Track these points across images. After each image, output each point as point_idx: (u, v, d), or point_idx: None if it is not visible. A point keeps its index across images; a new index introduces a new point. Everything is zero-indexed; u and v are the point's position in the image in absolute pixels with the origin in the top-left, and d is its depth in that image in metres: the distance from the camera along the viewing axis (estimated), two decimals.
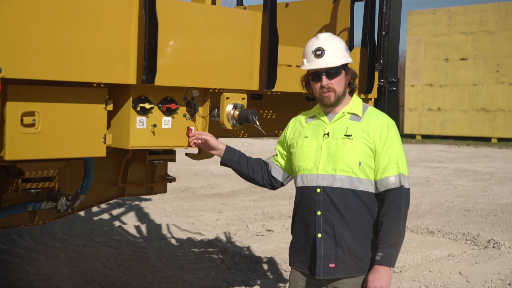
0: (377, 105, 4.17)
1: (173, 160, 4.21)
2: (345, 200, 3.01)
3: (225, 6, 4.19)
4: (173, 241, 7.68)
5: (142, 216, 9.09)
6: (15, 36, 2.49)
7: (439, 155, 20.11)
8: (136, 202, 9.92)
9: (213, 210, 9.94)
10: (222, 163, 3.33)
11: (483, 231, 8.44)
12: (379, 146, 3.01)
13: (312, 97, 3.21)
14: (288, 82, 3.53)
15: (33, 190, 3.43)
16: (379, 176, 3.01)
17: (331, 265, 3.03)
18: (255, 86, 3.39)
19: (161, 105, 3.07)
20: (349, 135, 3.02)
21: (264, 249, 7.24)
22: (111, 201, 5.61)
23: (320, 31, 4.29)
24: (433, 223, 8.99)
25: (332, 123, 3.09)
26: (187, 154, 4.31)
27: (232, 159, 3.29)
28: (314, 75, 3.06)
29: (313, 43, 3.07)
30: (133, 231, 8.05)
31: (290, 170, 3.28)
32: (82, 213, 8.40)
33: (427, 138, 27.69)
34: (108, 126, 2.99)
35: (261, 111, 4.01)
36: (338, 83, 3.04)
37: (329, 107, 3.10)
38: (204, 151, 3.62)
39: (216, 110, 3.31)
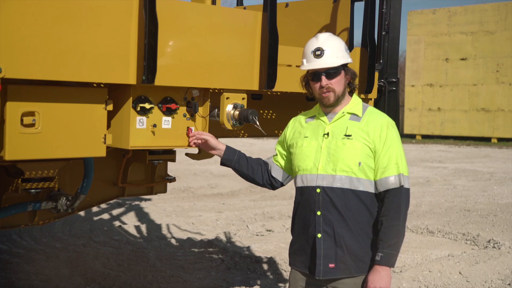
0: (377, 105, 4.17)
1: (173, 160, 4.21)
2: (345, 200, 3.01)
3: (225, 6, 4.19)
4: (173, 241, 7.68)
5: (142, 216, 9.09)
6: (15, 36, 2.49)
7: (439, 155, 20.11)
8: (136, 202, 9.92)
9: (213, 210, 9.94)
10: (222, 163, 3.33)
11: (483, 231, 8.44)
12: (378, 146, 3.01)
13: (312, 97, 3.21)
14: (288, 82, 3.53)
15: (33, 190, 3.43)
16: (379, 176, 3.01)
17: (331, 265, 3.03)
18: (255, 86, 3.39)
19: (161, 105, 3.07)
20: (349, 135, 3.02)
21: (264, 249, 7.24)
22: (111, 201, 5.61)
23: (320, 31, 4.29)
24: (433, 223, 8.99)
25: (332, 123, 3.09)
26: (187, 154, 4.31)
27: (232, 159, 3.29)
28: (313, 75, 3.06)
29: (313, 43, 3.07)
30: (133, 231, 8.05)
31: (290, 170, 3.28)
32: (82, 213, 8.40)
33: (427, 138, 27.69)
34: (108, 126, 2.99)
35: (261, 111, 4.01)
36: (337, 83, 3.04)
37: (328, 107, 3.10)
38: (204, 151, 3.62)
39: (216, 110, 3.31)
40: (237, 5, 5.10)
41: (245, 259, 6.70)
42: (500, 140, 25.85)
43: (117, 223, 8.51)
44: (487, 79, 26.14)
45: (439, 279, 6.17)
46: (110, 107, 2.92)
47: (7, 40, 2.46)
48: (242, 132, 4.02)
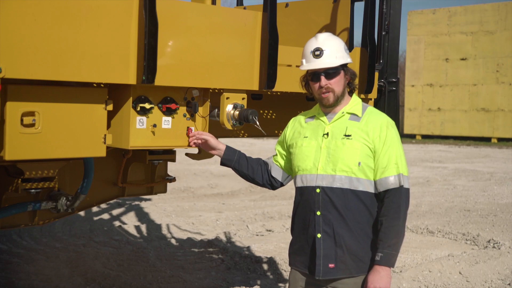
0: (377, 105, 4.17)
1: (173, 160, 4.21)
2: (345, 200, 3.01)
3: (225, 6, 4.19)
4: (173, 241, 7.68)
5: (142, 216, 9.09)
6: (15, 36, 2.49)
7: (439, 155, 20.11)
8: (136, 202, 9.92)
9: (213, 210, 9.94)
10: (222, 163, 3.33)
11: (483, 231, 8.44)
12: (378, 146, 3.01)
13: (312, 97, 3.20)
14: (288, 82, 3.53)
15: (33, 190, 3.43)
16: (379, 176, 3.01)
17: (331, 265, 3.03)
18: (255, 86, 3.39)
19: (161, 105, 3.07)
20: (349, 135, 3.02)
21: (264, 249, 7.24)
22: (111, 201, 5.61)
23: (320, 31, 4.28)
24: (433, 223, 8.99)
25: (331, 123, 3.09)
26: (187, 154, 4.31)
27: (232, 159, 3.29)
28: (313, 75, 3.06)
29: (312, 43, 3.07)
30: (133, 231, 8.05)
31: (290, 170, 3.28)
32: (82, 213, 8.40)
33: (427, 138, 27.69)
34: (108, 126, 2.99)
35: (261, 111, 4.01)
36: (337, 83, 3.04)
37: (328, 107, 3.10)
38: (204, 151, 3.62)
39: (216, 110, 3.31)
40: (237, 5, 5.10)
41: (245, 259, 6.70)
42: (500, 140, 25.85)
43: (117, 223, 8.51)
44: (487, 79, 26.14)
45: (439, 279, 6.17)
46: (110, 107, 2.92)
47: (7, 40, 2.46)
48: (242, 132, 4.02)
